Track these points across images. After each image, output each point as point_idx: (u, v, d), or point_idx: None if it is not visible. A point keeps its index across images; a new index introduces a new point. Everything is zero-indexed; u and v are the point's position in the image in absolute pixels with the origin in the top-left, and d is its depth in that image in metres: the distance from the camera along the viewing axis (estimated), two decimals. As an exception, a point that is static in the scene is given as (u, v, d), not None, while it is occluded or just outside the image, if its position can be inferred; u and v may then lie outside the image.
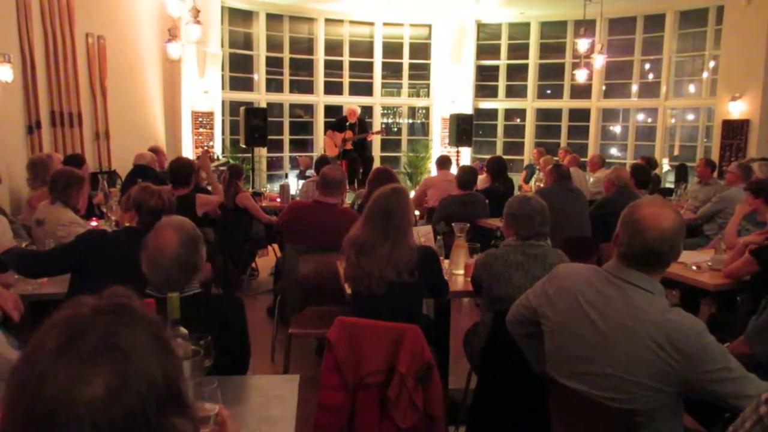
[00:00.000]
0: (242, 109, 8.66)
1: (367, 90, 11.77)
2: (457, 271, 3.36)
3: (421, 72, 12.09)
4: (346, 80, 11.61)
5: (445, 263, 3.42)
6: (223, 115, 10.13)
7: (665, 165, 10.52)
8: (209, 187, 5.38)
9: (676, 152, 10.81)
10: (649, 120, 11.11)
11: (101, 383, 0.73)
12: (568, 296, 1.84)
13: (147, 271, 1.89)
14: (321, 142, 10.70)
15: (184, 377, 0.84)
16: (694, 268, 3.59)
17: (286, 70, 11.18)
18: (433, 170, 10.72)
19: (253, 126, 8.31)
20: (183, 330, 1.54)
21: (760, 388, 1.61)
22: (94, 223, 4.19)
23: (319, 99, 11.42)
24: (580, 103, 11.51)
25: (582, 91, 11.33)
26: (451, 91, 11.60)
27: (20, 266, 2.81)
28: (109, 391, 0.73)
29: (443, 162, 6.59)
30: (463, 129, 9.86)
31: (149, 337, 0.80)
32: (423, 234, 3.55)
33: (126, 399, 0.74)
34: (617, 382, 1.69)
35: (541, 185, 6.61)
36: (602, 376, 1.72)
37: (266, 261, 6.40)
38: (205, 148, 9.15)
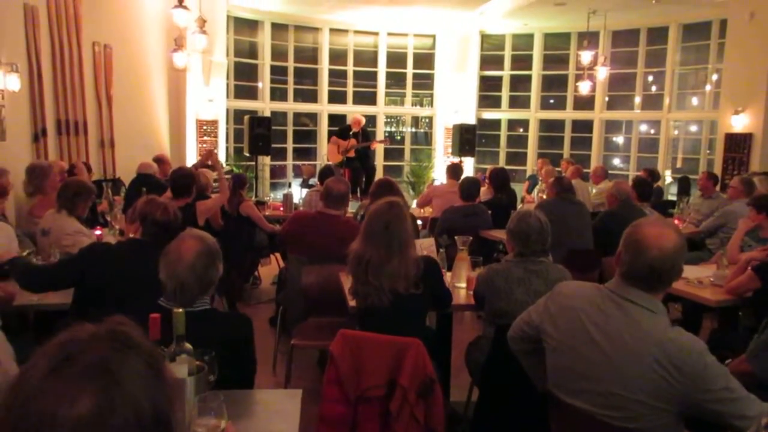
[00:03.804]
0: (246, 117, 8.70)
1: (370, 99, 11.82)
2: (460, 284, 3.37)
3: (424, 81, 12.15)
4: (350, 89, 11.67)
5: (448, 275, 3.43)
6: (227, 123, 10.18)
7: (668, 177, 10.53)
8: (213, 194, 5.39)
9: (678, 164, 10.83)
10: (652, 132, 11.14)
11: (87, 404, 0.73)
12: (570, 314, 1.85)
13: (163, 277, 1.91)
14: (324, 151, 10.74)
15: (177, 409, 0.84)
16: (696, 283, 3.59)
17: (291, 78, 11.25)
18: (436, 179, 10.75)
19: (257, 134, 8.35)
20: (188, 345, 1.55)
21: (761, 409, 1.62)
22: (98, 232, 4.20)
23: (323, 108, 11.47)
24: (583, 115, 11.54)
25: (585, 103, 11.37)
26: (455, 101, 11.65)
27: (25, 281, 2.82)
28: (95, 413, 0.73)
29: (455, 171, 6.52)
30: (466, 139, 9.88)
31: (143, 365, 0.80)
32: (426, 247, 3.56)
33: (111, 423, 0.74)
34: (618, 400, 1.70)
35: (544, 196, 6.62)
36: (603, 394, 1.73)
37: (268, 270, 6.42)
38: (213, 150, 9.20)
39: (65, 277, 2.73)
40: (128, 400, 0.76)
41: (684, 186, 8.24)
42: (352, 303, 2.89)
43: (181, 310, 1.55)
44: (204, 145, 9.45)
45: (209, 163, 5.85)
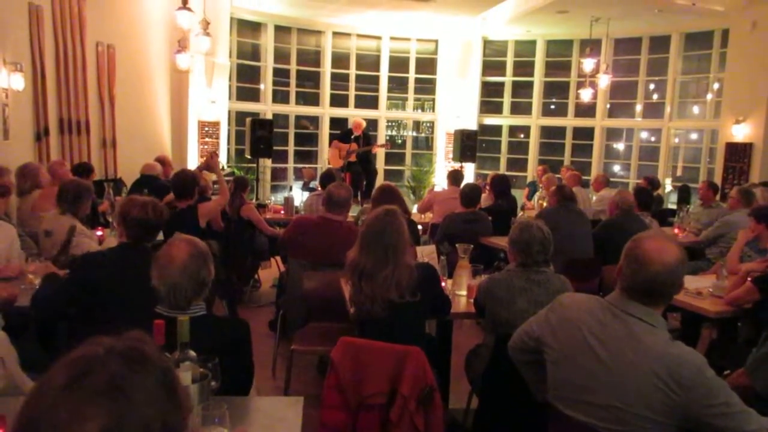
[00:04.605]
0: (248, 119, 8.71)
1: (372, 103, 11.84)
2: (460, 292, 3.38)
3: (426, 86, 12.17)
4: (351, 93, 11.69)
5: (448, 283, 3.44)
6: (229, 125, 10.19)
7: (668, 185, 10.55)
8: (213, 196, 5.40)
9: (679, 173, 10.85)
10: (653, 139, 11.16)
11: (97, 424, 0.74)
12: (571, 326, 1.86)
13: (156, 282, 1.91)
14: (325, 154, 10.76)
15: (188, 427, 0.85)
16: (695, 293, 3.58)
17: (293, 81, 11.27)
18: (437, 184, 10.77)
19: (259, 137, 8.35)
20: (192, 353, 1.56)
21: (760, 423, 1.64)
22: (99, 233, 4.21)
23: (325, 111, 11.49)
24: (584, 122, 11.57)
25: (586, 110, 11.39)
26: (457, 107, 11.67)
27: (37, 313, 2.80)
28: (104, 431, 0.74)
29: (456, 177, 6.53)
30: (467, 145, 9.89)
31: (157, 385, 0.81)
32: (427, 254, 3.57)
33: None
34: (618, 413, 1.71)
35: (544, 203, 6.63)
36: (603, 407, 1.74)
37: (269, 273, 6.42)
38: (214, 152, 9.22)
39: (68, 299, 2.68)
40: (138, 420, 0.77)
41: (684, 195, 8.25)
42: (351, 310, 2.90)
43: (186, 317, 1.55)
44: (205, 147, 9.46)
45: (208, 165, 5.85)
